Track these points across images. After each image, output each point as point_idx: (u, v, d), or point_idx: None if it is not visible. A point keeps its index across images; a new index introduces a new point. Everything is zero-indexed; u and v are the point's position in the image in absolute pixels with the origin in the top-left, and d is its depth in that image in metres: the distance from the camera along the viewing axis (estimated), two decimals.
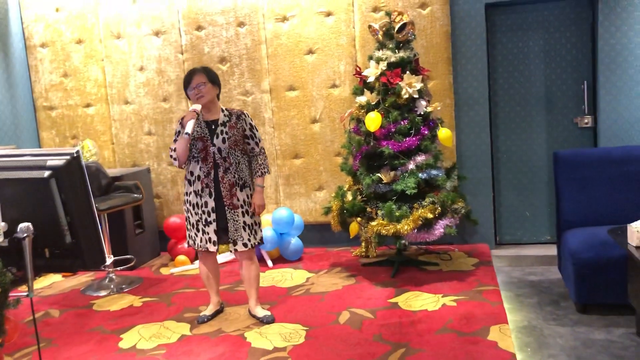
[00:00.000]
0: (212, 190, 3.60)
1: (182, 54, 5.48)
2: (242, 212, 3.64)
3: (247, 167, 3.70)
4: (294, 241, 5.08)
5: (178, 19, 5.43)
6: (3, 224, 2.27)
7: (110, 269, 4.69)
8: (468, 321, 3.49)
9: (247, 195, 3.67)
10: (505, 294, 4.02)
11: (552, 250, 4.76)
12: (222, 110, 3.69)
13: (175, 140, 3.66)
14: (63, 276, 5.10)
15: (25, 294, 2.36)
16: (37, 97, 5.85)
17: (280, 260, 5.10)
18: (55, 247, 2.35)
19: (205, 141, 3.59)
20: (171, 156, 3.63)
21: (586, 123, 4.93)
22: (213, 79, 3.67)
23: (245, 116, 3.70)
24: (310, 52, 5.23)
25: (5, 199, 2.29)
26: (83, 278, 5.00)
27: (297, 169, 5.38)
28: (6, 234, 2.29)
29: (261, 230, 3.79)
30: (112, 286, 4.60)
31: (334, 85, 5.23)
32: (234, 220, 3.63)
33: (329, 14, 5.15)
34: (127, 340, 3.58)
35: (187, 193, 3.69)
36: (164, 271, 5.07)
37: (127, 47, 5.57)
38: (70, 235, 2.31)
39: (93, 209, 2.31)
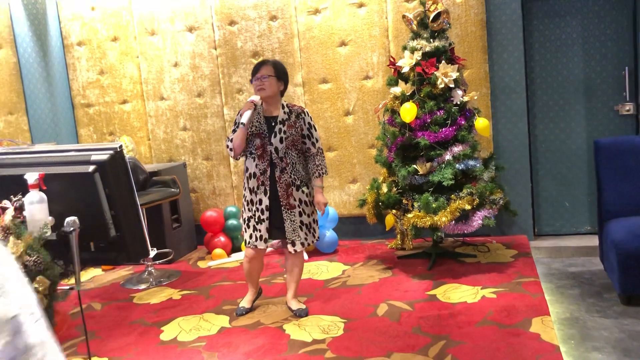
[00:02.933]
0: (268, 188, 3.58)
1: (215, 49, 5.51)
2: (299, 211, 3.62)
3: (303, 167, 3.66)
4: (329, 234, 5.08)
5: (211, 14, 5.47)
6: (50, 218, 2.33)
7: (149, 263, 4.76)
8: (509, 313, 3.44)
9: (305, 194, 3.65)
10: (546, 286, 3.96)
11: (592, 241, 4.66)
12: (283, 107, 3.64)
13: (233, 131, 3.63)
14: (103, 270, 5.20)
15: (70, 287, 2.42)
16: (74, 94, 5.97)
17: (316, 252, 5.10)
18: (100, 240, 2.41)
19: (263, 138, 3.57)
20: (227, 146, 3.64)
21: (627, 110, 4.79)
22: (280, 74, 3.62)
23: (305, 115, 3.65)
24: (343, 44, 5.21)
25: (51, 194, 2.34)
26: (123, 272, 5.09)
27: (331, 162, 5.37)
28: (53, 228, 2.35)
29: (318, 228, 3.80)
30: (151, 279, 4.68)
31: (367, 77, 5.20)
32: (291, 221, 3.61)
33: (361, 5, 5.12)
34: (168, 332, 3.64)
35: (244, 188, 3.71)
36: (202, 264, 5.13)
37: (161, 44, 5.64)
38: (114, 229, 2.36)
39: (136, 202, 2.35)
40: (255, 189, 3.61)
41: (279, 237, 3.72)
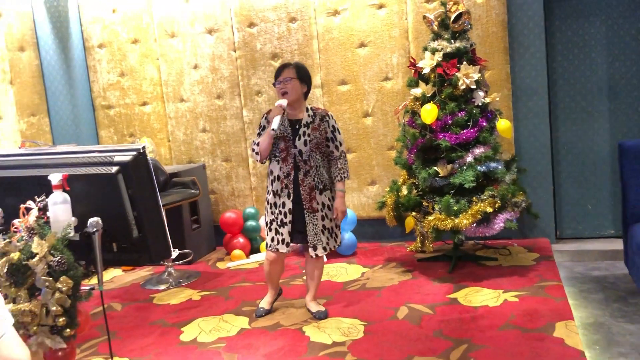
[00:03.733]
0: (291, 191, 3.57)
1: (234, 51, 5.53)
2: (322, 215, 3.60)
3: (327, 170, 3.64)
4: (348, 236, 5.06)
5: (230, 16, 5.48)
6: (74, 218, 2.34)
7: (169, 264, 4.78)
8: (531, 317, 3.40)
9: (328, 198, 3.63)
10: (569, 290, 3.89)
11: (616, 245, 4.58)
12: (307, 110, 3.63)
13: (259, 134, 3.63)
14: (123, 270, 5.23)
15: (91, 287, 2.43)
16: (95, 96, 6.02)
17: (334, 254, 5.08)
18: (122, 241, 2.41)
19: (287, 141, 3.56)
20: (253, 150, 3.64)
21: None
22: (302, 76, 3.60)
23: (329, 118, 3.63)
24: (362, 45, 5.19)
25: (75, 195, 2.35)
26: (142, 272, 5.12)
27: (350, 164, 5.34)
28: (76, 229, 2.36)
29: (340, 233, 3.76)
30: (170, 280, 4.70)
31: (386, 78, 5.17)
32: (313, 224, 3.58)
33: (381, 6, 5.09)
34: (188, 333, 3.64)
35: (267, 191, 3.70)
36: (221, 265, 5.14)
37: (181, 46, 5.67)
38: (137, 230, 2.36)
39: (159, 203, 2.36)
40: (279, 192, 3.60)
41: (300, 241, 3.69)
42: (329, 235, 3.64)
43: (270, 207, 3.65)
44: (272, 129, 3.47)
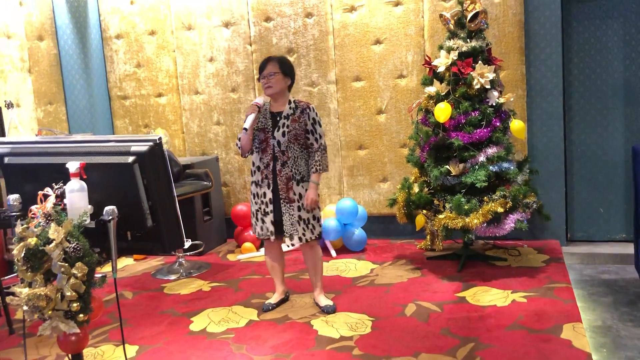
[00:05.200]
0: (271, 182, 3.64)
1: (250, 45, 5.55)
2: (298, 206, 3.64)
3: (306, 162, 3.69)
4: (358, 232, 5.08)
5: (247, 10, 5.51)
6: (90, 206, 2.37)
7: (180, 254, 4.83)
8: (539, 318, 3.40)
9: (305, 189, 3.66)
10: (578, 292, 3.89)
11: (627, 249, 4.57)
12: (290, 102, 3.69)
13: (244, 129, 3.69)
14: (135, 259, 5.30)
15: (103, 274, 2.47)
16: (111, 86, 6.08)
17: (344, 250, 5.11)
18: (137, 230, 2.44)
19: (266, 133, 3.63)
20: (237, 144, 3.71)
21: None
22: (286, 70, 3.66)
23: (310, 110, 3.67)
24: (378, 42, 5.19)
25: (91, 183, 2.39)
26: (154, 262, 5.17)
27: (361, 160, 5.37)
28: (92, 217, 2.39)
29: (320, 226, 3.75)
30: (181, 271, 4.75)
31: (401, 76, 5.18)
32: (289, 214, 3.65)
33: (397, 4, 5.09)
34: (197, 323, 3.69)
35: (251, 182, 3.77)
36: (231, 257, 5.18)
37: (197, 38, 5.70)
38: (151, 219, 2.39)
39: (173, 194, 2.39)
40: (260, 182, 3.68)
41: (279, 232, 3.71)
42: (305, 226, 3.67)
43: (254, 197, 3.74)
44: (244, 128, 3.53)
